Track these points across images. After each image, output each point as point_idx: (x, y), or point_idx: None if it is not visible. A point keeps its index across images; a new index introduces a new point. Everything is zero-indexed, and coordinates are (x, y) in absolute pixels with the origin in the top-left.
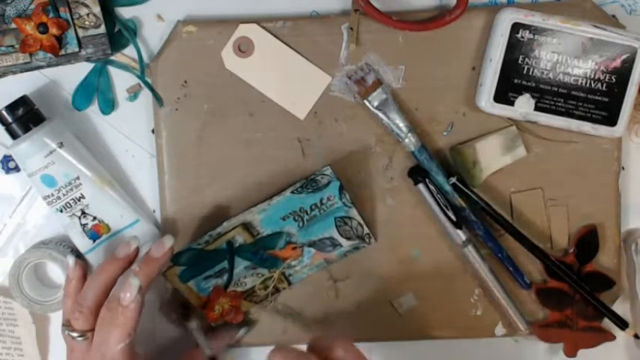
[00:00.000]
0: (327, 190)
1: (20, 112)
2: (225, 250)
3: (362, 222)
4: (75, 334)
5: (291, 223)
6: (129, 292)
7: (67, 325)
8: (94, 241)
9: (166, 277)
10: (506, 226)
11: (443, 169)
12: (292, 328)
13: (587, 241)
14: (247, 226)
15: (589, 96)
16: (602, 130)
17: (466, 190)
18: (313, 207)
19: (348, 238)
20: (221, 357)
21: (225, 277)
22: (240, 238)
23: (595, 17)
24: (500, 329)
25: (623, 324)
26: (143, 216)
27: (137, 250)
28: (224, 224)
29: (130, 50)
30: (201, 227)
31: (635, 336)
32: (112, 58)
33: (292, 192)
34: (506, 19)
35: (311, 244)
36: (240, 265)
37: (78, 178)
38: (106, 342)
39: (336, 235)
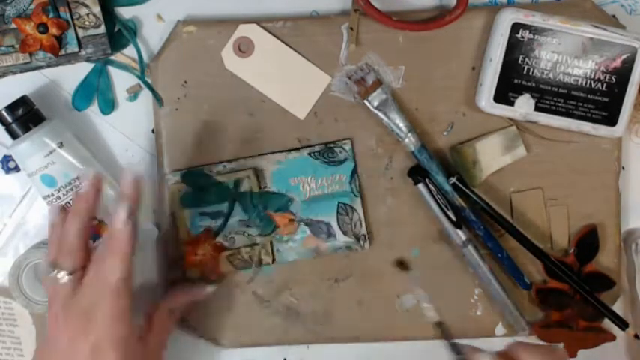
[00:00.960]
0: (341, 167)
1: (20, 112)
2: (229, 189)
3: (363, 218)
4: (62, 273)
5: (297, 190)
6: (121, 215)
7: (54, 266)
8: (94, 241)
9: (169, 189)
10: (506, 226)
11: (443, 169)
12: (293, 328)
13: (587, 241)
14: (258, 174)
15: (589, 96)
16: (602, 130)
17: (466, 190)
18: (323, 181)
19: (344, 232)
20: (179, 313)
21: (220, 222)
22: (248, 184)
23: (595, 17)
24: (500, 329)
25: (623, 324)
26: (143, 216)
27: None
28: (240, 161)
29: (130, 50)
30: None
31: (635, 336)
32: (112, 58)
33: (309, 154)
34: (506, 19)
35: (308, 223)
36: (237, 216)
37: (78, 178)
38: (104, 273)
39: (334, 223)
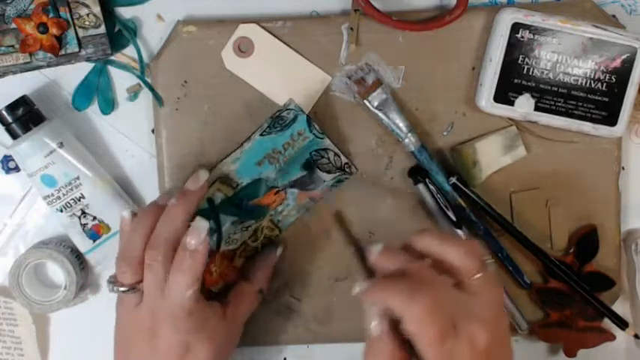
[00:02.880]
0: (295, 125)
1: (20, 112)
2: (207, 210)
3: (338, 152)
4: (123, 289)
5: (267, 167)
6: (195, 236)
7: (113, 282)
8: (94, 241)
9: None
10: (506, 226)
11: (443, 169)
12: (293, 328)
13: (587, 241)
14: (225, 180)
15: (589, 96)
16: (602, 130)
17: (466, 190)
18: (286, 146)
19: (328, 172)
20: (267, 286)
21: (215, 237)
22: (220, 194)
23: (595, 17)
24: None
25: (623, 324)
26: None
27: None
28: None
29: (130, 50)
30: None
31: (635, 336)
32: (112, 58)
33: (261, 134)
34: (506, 19)
35: (292, 185)
36: (227, 221)
37: (78, 178)
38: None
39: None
